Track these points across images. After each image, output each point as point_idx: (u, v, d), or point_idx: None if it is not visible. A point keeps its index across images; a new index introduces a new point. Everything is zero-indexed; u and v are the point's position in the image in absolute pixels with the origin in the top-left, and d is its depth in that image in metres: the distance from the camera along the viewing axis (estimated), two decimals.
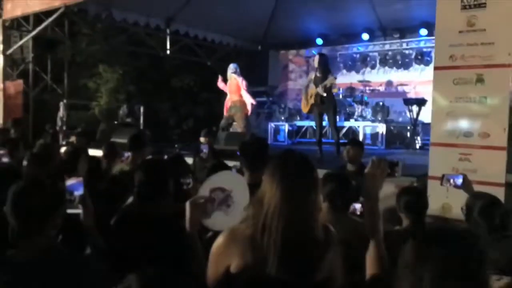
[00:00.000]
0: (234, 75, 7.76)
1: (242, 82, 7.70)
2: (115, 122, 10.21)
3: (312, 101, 6.90)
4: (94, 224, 1.78)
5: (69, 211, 1.68)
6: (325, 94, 6.69)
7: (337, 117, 7.46)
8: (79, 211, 1.77)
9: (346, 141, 6.69)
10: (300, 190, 1.57)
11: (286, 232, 1.53)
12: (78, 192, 1.76)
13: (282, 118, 11.41)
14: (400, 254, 1.11)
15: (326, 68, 6.88)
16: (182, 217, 1.71)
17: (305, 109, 7.31)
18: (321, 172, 2.94)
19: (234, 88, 7.79)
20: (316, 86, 6.77)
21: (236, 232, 1.62)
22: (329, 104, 6.82)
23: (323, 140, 8.24)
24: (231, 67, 7.90)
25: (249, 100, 7.81)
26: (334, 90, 10.85)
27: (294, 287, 1.53)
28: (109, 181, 3.24)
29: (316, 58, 7.07)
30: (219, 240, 1.63)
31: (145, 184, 1.95)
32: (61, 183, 1.55)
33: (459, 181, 2.79)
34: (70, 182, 1.77)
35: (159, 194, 1.95)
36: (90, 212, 1.77)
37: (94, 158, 3.59)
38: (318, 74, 6.84)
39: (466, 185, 2.80)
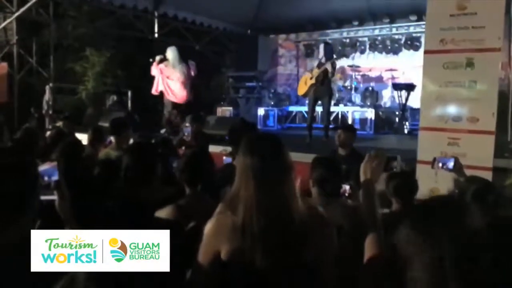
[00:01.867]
0: (176, 63, 7.94)
1: (189, 70, 7.99)
2: (103, 108, 10.10)
3: (312, 81, 7.02)
4: (71, 211, 1.73)
5: (45, 197, 1.62)
6: (330, 69, 6.84)
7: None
8: (54, 197, 1.71)
9: (334, 126, 6.77)
10: (272, 176, 1.55)
11: (264, 221, 1.51)
12: (54, 178, 1.69)
13: (272, 103, 11.37)
14: (396, 235, 1.08)
15: (331, 56, 7.18)
16: (169, 200, 1.68)
17: (301, 91, 7.46)
18: (310, 157, 2.93)
19: (176, 75, 7.97)
20: (323, 73, 6.91)
21: (223, 219, 1.60)
22: (327, 90, 7.03)
23: (313, 125, 8.47)
24: (172, 51, 8.02)
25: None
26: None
27: (280, 272, 1.52)
28: (96, 166, 3.18)
29: (321, 46, 7.45)
30: (208, 226, 1.61)
31: (133, 168, 1.90)
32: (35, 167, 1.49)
33: (451, 164, 2.79)
34: (44, 167, 1.70)
35: (147, 178, 1.91)
36: (65, 199, 1.72)
37: (72, 142, 3.51)
38: (322, 61, 7.10)
39: (458, 168, 2.80)
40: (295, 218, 1.55)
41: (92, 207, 1.81)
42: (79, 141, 3.63)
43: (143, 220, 1.79)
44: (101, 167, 2.87)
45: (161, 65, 8.02)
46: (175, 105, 8.11)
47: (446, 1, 3.74)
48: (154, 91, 8.29)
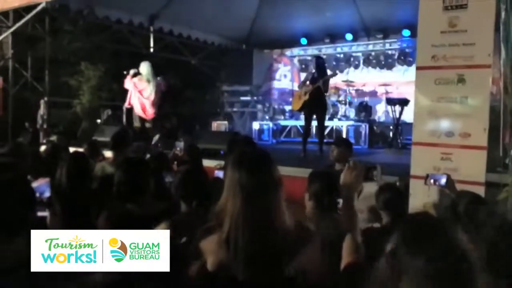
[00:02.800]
0: (150, 78, 8.04)
1: (160, 86, 8.09)
2: (98, 121, 10.10)
3: (306, 97, 7.07)
4: (62, 228, 1.72)
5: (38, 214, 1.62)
6: (314, 95, 6.91)
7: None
8: (45, 213, 1.72)
9: (327, 141, 6.83)
10: (259, 191, 1.57)
11: (249, 234, 1.53)
12: (46, 194, 1.70)
13: (267, 117, 11.42)
14: (386, 249, 1.10)
15: (323, 70, 7.29)
16: (161, 215, 1.69)
17: (295, 106, 7.54)
18: (306, 171, 2.95)
19: (145, 87, 8.07)
20: (317, 88, 6.98)
21: (208, 231, 1.64)
22: (321, 105, 7.10)
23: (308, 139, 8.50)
24: (146, 66, 8.12)
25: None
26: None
27: (262, 286, 1.54)
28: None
29: (314, 61, 7.53)
30: (198, 234, 1.67)
31: (125, 184, 1.91)
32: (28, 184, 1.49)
33: (443, 180, 2.82)
34: (37, 183, 1.70)
35: (139, 193, 1.91)
36: (57, 215, 1.72)
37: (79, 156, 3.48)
38: (315, 76, 7.15)
39: (450, 184, 2.83)
40: (280, 233, 1.57)
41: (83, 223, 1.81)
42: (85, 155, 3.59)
43: None
44: (99, 183, 2.86)
45: (135, 79, 8.12)
46: (142, 119, 8.22)
47: (437, 18, 3.79)
48: (127, 104, 8.43)
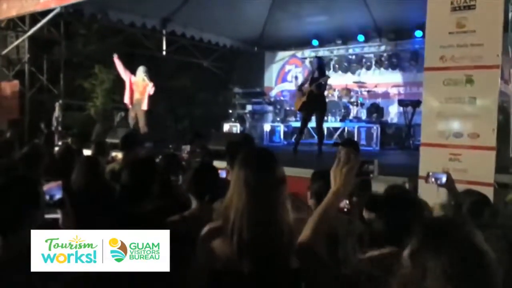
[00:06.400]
0: (146, 78, 8.39)
1: (151, 88, 8.36)
2: (111, 126, 10.24)
3: (304, 99, 7.18)
4: (75, 229, 1.77)
5: (49, 216, 1.66)
6: (314, 95, 7.04)
7: (325, 118, 7.96)
8: (57, 216, 1.76)
9: (335, 142, 6.88)
10: (263, 187, 1.63)
11: (253, 228, 1.59)
12: (58, 196, 1.73)
13: (278, 119, 11.43)
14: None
15: (323, 70, 7.33)
16: (165, 215, 1.75)
17: (297, 106, 7.74)
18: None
19: (141, 88, 8.40)
20: (316, 87, 7.08)
21: (213, 229, 1.70)
22: (318, 106, 7.13)
23: (311, 141, 8.96)
24: (143, 69, 8.51)
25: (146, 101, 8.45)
26: (330, 92, 11.04)
27: (266, 280, 1.58)
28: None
29: (314, 61, 7.67)
30: (203, 232, 1.71)
31: (130, 184, 1.95)
32: (40, 185, 1.54)
33: (443, 179, 2.82)
34: (48, 185, 1.75)
35: (142, 193, 1.96)
36: (69, 217, 1.76)
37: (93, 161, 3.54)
38: (315, 76, 7.21)
39: (449, 183, 2.83)
40: (283, 228, 1.62)
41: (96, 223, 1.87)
42: (97, 159, 3.67)
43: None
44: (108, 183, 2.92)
45: (133, 78, 8.48)
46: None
47: (445, 19, 3.79)
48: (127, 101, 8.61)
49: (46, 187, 1.74)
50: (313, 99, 7.03)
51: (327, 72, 7.69)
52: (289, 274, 1.62)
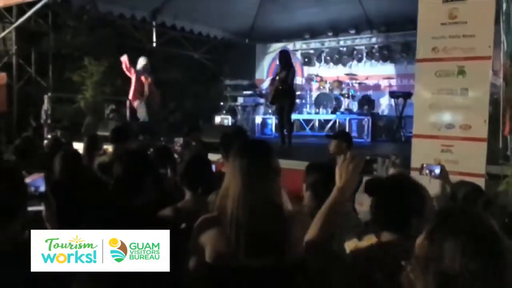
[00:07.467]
0: (146, 73, 8.35)
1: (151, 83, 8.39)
2: (101, 118, 10.14)
3: (273, 93, 7.38)
4: (56, 221, 1.76)
5: (32, 208, 1.64)
6: (280, 87, 7.13)
7: (292, 111, 7.83)
8: (41, 208, 1.74)
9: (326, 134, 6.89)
10: (258, 175, 1.66)
11: (250, 214, 1.61)
12: (41, 188, 1.72)
13: (270, 111, 11.41)
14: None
15: (288, 63, 7.30)
16: (157, 207, 1.73)
17: (269, 100, 7.93)
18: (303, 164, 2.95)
19: (142, 81, 8.37)
20: (279, 80, 7.18)
21: (208, 220, 1.69)
22: (286, 98, 7.15)
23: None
24: (143, 61, 8.42)
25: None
26: (321, 84, 11.02)
27: (263, 268, 1.58)
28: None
29: (278, 54, 7.74)
30: (197, 223, 1.73)
31: (121, 175, 1.93)
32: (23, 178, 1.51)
33: (437, 171, 2.83)
34: (31, 178, 1.73)
35: (135, 185, 1.94)
36: (52, 209, 1.75)
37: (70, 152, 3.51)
38: (279, 70, 7.33)
39: (444, 175, 2.84)
40: (279, 215, 1.65)
41: (80, 216, 1.84)
42: (77, 152, 3.64)
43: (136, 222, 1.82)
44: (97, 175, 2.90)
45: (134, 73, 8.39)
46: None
47: (437, 10, 3.79)
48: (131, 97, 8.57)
49: (29, 179, 1.72)
50: (279, 93, 7.13)
51: (294, 63, 7.62)
52: (284, 263, 1.63)
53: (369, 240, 1.72)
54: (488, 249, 1.05)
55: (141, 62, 8.46)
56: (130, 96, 8.51)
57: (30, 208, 1.54)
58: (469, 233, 1.06)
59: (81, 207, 1.96)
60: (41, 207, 1.76)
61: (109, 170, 2.20)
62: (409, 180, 1.71)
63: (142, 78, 8.35)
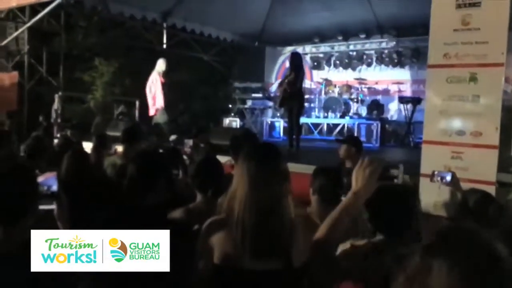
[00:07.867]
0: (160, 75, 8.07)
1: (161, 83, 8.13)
2: (110, 118, 10.20)
3: (281, 96, 7.28)
4: (68, 220, 1.77)
5: (44, 207, 1.65)
6: (289, 90, 7.01)
7: (301, 115, 7.70)
8: (53, 206, 1.76)
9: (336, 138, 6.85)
10: (266, 178, 1.66)
11: (256, 217, 1.61)
12: (53, 187, 1.73)
13: (278, 114, 11.41)
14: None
15: (299, 66, 7.17)
16: (168, 208, 1.74)
17: (278, 104, 7.88)
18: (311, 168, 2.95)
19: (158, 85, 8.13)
20: (288, 83, 7.06)
21: (216, 222, 1.72)
22: (295, 101, 7.05)
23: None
24: (162, 63, 8.11)
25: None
26: (330, 88, 10.98)
27: (267, 272, 1.59)
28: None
29: (289, 57, 7.54)
30: (205, 225, 1.74)
31: (137, 178, 1.94)
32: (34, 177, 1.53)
33: (448, 177, 2.81)
34: (44, 176, 1.74)
35: (148, 186, 1.95)
36: (64, 208, 1.76)
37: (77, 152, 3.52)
38: (289, 72, 7.21)
39: (455, 182, 2.82)
40: (285, 219, 1.65)
41: (91, 215, 1.86)
42: (84, 151, 3.66)
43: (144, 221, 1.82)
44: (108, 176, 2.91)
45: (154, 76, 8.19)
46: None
47: (449, 16, 3.76)
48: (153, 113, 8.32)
49: (41, 178, 1.73)
50: (288, 96, 7.04)
51: (305, 67, 7.62)
52: (290, 266, 1.63)
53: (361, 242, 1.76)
54: (480, 274, 0.96)
55: (162, 65, 8.16)
56: (157, 100, 8.19)
57: (43, 207, 1.56)
58: (462, 255, 0.98)
59: (90, 206, 1.98)
60: (53, 206, 1.77)
61: (121, 171, 2.21)
62: (393, 185, 1.73)
63: (162, 80, 8.19)
